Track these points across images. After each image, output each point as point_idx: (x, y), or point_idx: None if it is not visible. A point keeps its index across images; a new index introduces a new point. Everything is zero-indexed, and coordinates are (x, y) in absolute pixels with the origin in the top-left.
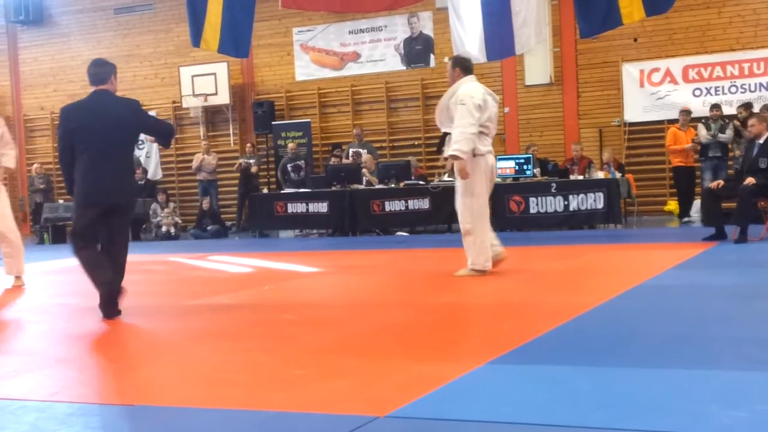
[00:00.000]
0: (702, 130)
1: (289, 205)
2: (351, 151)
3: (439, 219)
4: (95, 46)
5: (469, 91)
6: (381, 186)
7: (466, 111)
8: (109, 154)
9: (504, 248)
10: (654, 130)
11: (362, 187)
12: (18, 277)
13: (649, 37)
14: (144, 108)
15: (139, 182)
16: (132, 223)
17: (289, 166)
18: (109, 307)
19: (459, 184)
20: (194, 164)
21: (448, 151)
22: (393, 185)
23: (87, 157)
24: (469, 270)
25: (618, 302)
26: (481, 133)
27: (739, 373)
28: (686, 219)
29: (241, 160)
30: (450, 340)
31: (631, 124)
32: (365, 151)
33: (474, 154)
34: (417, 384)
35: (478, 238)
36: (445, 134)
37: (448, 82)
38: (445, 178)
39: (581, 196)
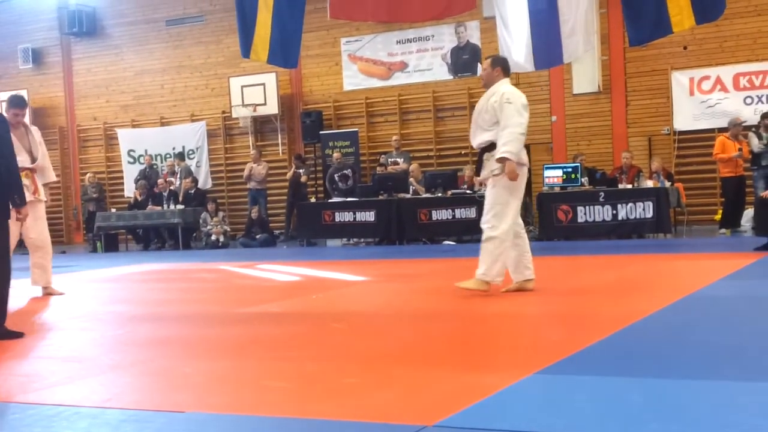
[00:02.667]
0: (754, 139)
1: (336, 214)
2: (390, 160)
3: None
4: (147, 58)
5: (515, 91)
6: (428, 195)
7: (515, 110)
8: None
9: (534, 278)
10: (704, 138)
11: (409, 196)
12: (46, 287)
13: (699, 45)
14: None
15: (189, 191)
16: (183, 231)
17: (336, 175)
18: None
19: (492, 191)
20: (245, 173)
21: (497, 154)
22: (440, 194)
23: None
24: (476, 281)
25: (668, 312)
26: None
27: None
28: (738, 229)
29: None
30: (498, 349)
31: (681, 133)
32: (402, 159)
33: (518, 162)
34: (465, 393)
35: (499, 248)
36: (483, 151)
37: (482, 82)
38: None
39: (630, 205)
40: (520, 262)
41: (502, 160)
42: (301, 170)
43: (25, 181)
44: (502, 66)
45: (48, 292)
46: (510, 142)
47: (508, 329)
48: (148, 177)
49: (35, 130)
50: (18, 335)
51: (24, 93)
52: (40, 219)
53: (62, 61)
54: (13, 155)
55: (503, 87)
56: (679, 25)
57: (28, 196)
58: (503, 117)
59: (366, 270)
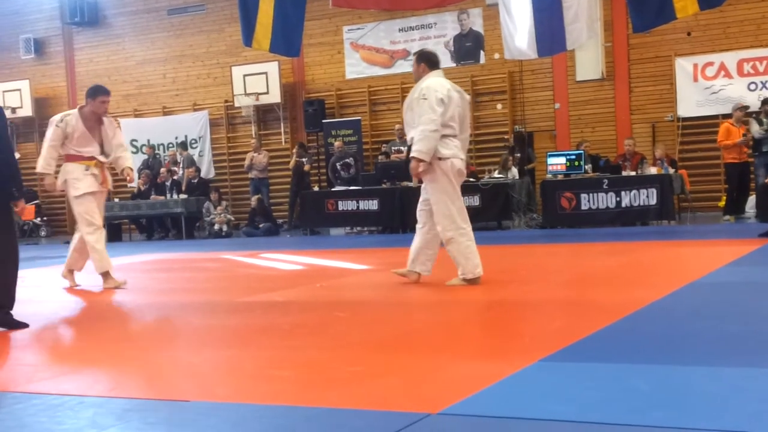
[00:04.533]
0: (754, 126)
1: (339, 202)
2: (393, 148)
3: (489, 216)
4: (149, 47)
5: (433, 84)
6: None
7: (428, 106)
8: None
9: (426, 275)
10: (708, 125)
11: (412, 184)
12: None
13: (703, 31)
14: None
15: (192, 181)
16: (186, 221)
17: (338, 164)
18: None
19: (428, 191)
20: (246, 163)
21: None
22: None
23: None
24: (460, 280)
25: (672, 299)
26: (444, 135)
27: None
28: (741, 215)
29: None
30: (501, 337)
31: (685, 119)
32: (405, 148)
33: (438, 157)
34: (469, 381)
35: (462, 244)
36: (410, 149)
37: (413, 78)
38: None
39: (633, 192)
40: (422, 253)
41: (415, 160)
42: (303, 159)
43: (94, 171)
44: (426, 60)
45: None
46: (420, 140)
47: (511, 317)
48: (150, 167)
49: (108, 121)
50: (23, 325)
51: (26, 83)
52: (102, 208)
53: (64, 51)
54: (10, 148)
55: (425, 82)
56: (683, 11)
57: (96, 186)
58: (417, 114)
59: (369, 259)
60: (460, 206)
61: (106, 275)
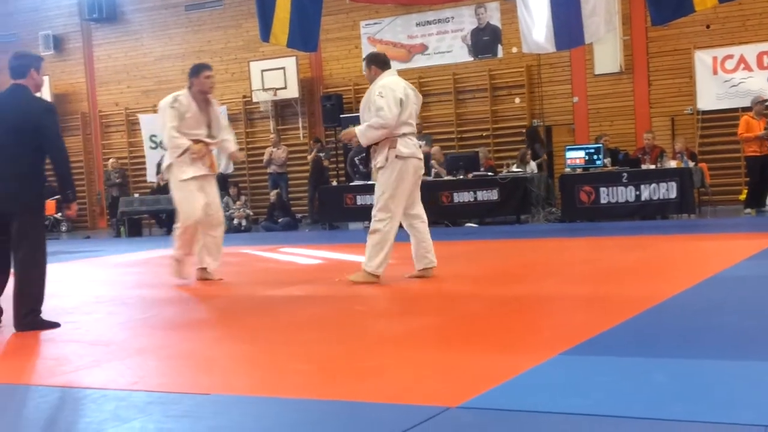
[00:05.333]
0: None
1: (358, 197)
2: None
3: (508, 210)
4: (167, 43)
5: (390, 83)
6: (449, 177)
7: (384, 104)
8: (6, 156)
9: (435, 265)
10: (728, 118)
11: (431, 178)
12: (206, 270)
13: (722, 24)
14: (55, 115)
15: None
16: None
17: (356, 158)
18: None
19: (377, 184)
20: (264, 158)
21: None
22: (461, 176)
23: None
24: (362, 273)
25: (692, 293)
26: (403, 134)
27: None
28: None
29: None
30: (521, 331)
31: (704, 113)
32: (423, 142)
33: (396, 155)
34: (489, 375)
35: (383, 240)
36: (368, 147)
37: (368, 82)
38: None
39: (653, 185)
40: (418, 250)
41: (356, 132)
42: (321, 153)
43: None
44: (375, 62)
45: (205, 277)
46: (370, 128)
47: (530, 311)
48: None
49: (216, 103)
50: (55, 325)
51: (45, 80)
52: (217, 195)
53: (83, 47)
54: (64, 148)
55: (382, 80)
56: (702, 4)
57: (204, 170)
58: (374, 110)
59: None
60: (398, 203)
61: (179, 262)
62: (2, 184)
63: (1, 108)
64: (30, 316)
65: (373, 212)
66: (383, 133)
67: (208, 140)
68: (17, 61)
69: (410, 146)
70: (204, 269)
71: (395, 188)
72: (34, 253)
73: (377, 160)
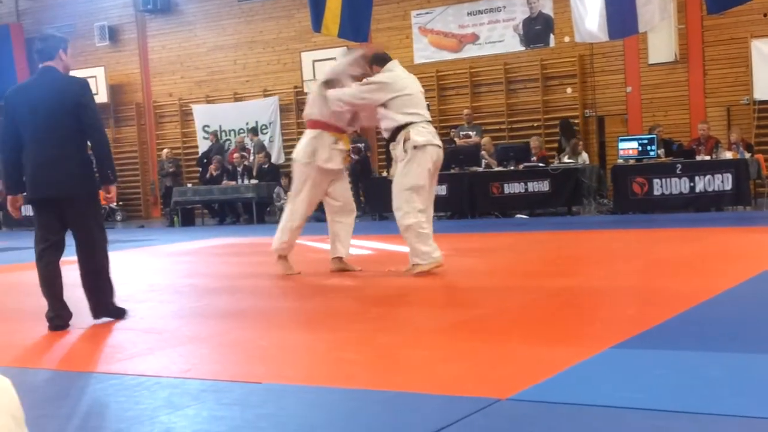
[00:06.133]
0: None
1: None
2: (461, 133)
3: (559, 201)
4: (220, 34)
5: (386, 73)
6: (500, 168)
7: (366, 86)
8: (51, 140)
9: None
10: None
11: (481, 169)
12: (341, 260)
13: None
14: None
15: (263, 166)
16: (257, 206)
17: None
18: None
19: (398, 173)
20: None
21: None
22: (512, 167)
23: (29, 146)
24: (417, 266)
25: (747, 287)
26: (411, 123)
27: None
28: None
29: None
30: (571, 323)
31: (761, 102)
32: (474, 133)
33: (414, 146)
34: (539, 367)
35: (418, 230)
36: (398, 128)
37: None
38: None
39: (708, 177)
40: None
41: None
42: (361, 145)
43: (342, 146)
44: (375, 62)
45: (342, 268)
46: (344, 92)
47: (582, 303)
48: (217, 152)
49: None
50: (123, 312)
51: (101, 70)
52: (346, 182)
53: (137, 38)
54: (103, 126)
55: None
56: None
57: (340, 164)
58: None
59: (437, 244)
60: (428, 197)
61: (280, 258)
62: (50, 171)
63: (36, 92)
64: (111, 305)
65: (396, 206)
66: (347, 106)
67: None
68: (44, 43)
69: (425, 134)
70: (340, 258)
71: (419, 177)
72: (103, 243)
73: (395, 153)
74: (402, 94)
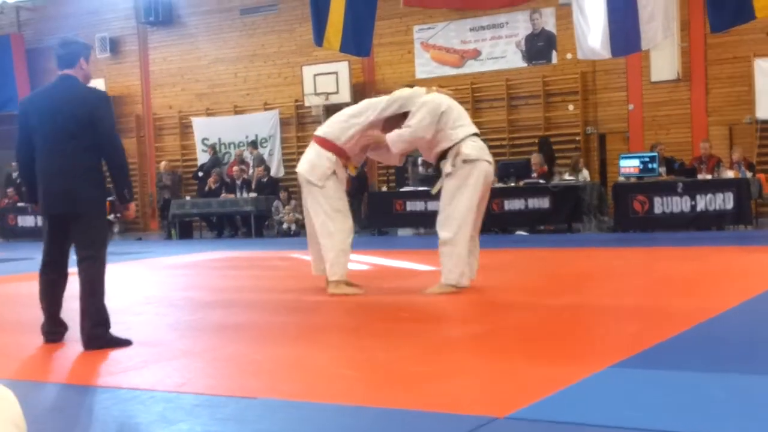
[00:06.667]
0: None
1: (407, 203)
2: None
3: (559, 218)
4: (221, 47)
5: (433, 98)
6: (500, 185)
7: (419, 115)
8: (62, 151)
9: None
10: None
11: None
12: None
13: None
14: (111, 106)
15: (262, 179)
16: (255, 219)
17: (420, 158)
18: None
19: (446, 189)
20: None
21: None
22: (512, 184)
23: (40, 155)
24: (441, 286)
25: (748, 307)
26: (462, 137)
27: None
28: None
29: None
30: (571, 341)
31: (764, 122)
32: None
33: (463, 161)
34: (537, 386)
35: (456, 249)
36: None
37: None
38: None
39: (709, 196)
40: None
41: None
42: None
43: (348, 171)
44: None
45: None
46: (401, 136)
47: (582, 321)
48: (214, 166)
49: None
50: (127, 343)
51: (101, 82)
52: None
53: (139, 50)
54: (120, 143)
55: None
56: (763, 11)
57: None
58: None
59: (436, 260)
60: (474, 214)
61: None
62: (59, 182)
63: (51, 101)
64: (100, 329)
65: (441, 218)
66: (409, 145)
67: None
68: (65, 48)
69: (476, 148)
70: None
71: (474, 192)
72: (100, 265)
73: (445, 168)
74: (445, 109)
